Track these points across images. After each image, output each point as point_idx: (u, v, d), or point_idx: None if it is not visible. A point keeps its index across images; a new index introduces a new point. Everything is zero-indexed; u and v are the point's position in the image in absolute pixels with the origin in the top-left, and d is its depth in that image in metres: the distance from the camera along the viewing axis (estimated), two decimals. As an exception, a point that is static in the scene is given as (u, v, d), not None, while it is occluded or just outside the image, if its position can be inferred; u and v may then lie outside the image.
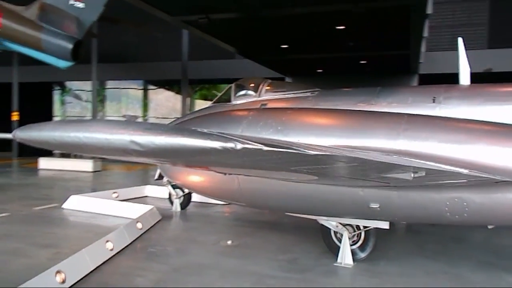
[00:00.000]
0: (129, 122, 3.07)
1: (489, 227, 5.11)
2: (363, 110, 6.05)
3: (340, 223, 5.87)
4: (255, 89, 8.53)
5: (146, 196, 11.25)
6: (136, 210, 8.37)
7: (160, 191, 11.18)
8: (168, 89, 26.32)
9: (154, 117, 26.53)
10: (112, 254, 5.97)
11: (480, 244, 7.08)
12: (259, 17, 12.42)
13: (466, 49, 7.61)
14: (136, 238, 6.93)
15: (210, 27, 12.82)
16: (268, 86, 8.49)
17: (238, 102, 8.54)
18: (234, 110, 6.54)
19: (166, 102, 26.53)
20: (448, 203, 4.35)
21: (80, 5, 10.05)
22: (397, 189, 4.50)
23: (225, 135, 2.87)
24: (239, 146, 2.75)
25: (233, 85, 8.89)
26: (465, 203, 4.27)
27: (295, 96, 8.03)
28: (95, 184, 14.11)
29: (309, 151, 2.97)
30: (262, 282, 5.19)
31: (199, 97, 26.05)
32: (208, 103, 9.58)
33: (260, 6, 11.13)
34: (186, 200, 9.81)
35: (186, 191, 9.70)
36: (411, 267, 5.80)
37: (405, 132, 4.51)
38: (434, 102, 6.60)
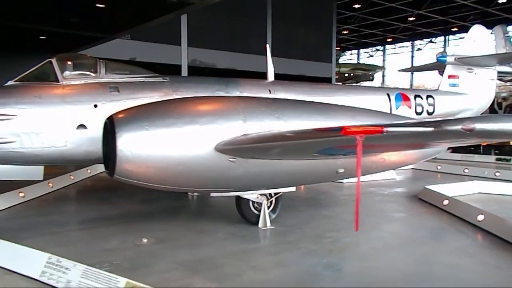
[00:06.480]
0: None
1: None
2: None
3: (260, 194, 7.05)
4: (93, 68, 7.56)
5: None
6: None
7: None
8: None
9: None
10: None
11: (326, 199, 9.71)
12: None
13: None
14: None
15: None
16: (105, 66, 7.69)
17: (74, 82, 7.32)
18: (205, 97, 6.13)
19: None
20: (372, 160, 6.82)
21: None
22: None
23: None
24: None
25: (53, 61, 7.38)
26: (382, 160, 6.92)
27: (148, 81, 7.88)
28: None
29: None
30: (242, 252, 5.83)
31: None
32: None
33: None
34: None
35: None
36: (302, 216, 7.87)
37: None
38: (270, 92, 8.78)
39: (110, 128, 5.18)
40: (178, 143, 5.23)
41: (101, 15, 13.11)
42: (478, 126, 3.89)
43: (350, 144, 4.48)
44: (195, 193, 9.82)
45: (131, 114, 5.32)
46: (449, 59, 12.22)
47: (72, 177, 11.49)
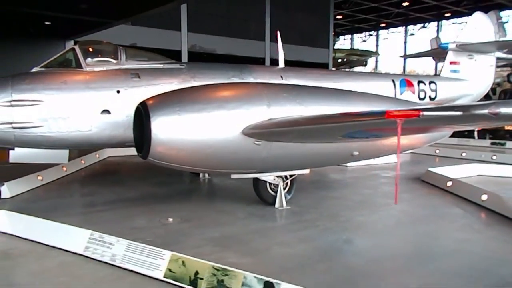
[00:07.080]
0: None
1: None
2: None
3: (276, 176, 7.41)
4: (114, 55, 7.79)
5: None
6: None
7: None
8: None
9: None
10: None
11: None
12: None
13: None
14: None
15: None
16: (125, 52, 7.93)
17: (96, 69, 7.56)
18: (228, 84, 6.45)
19: None
20: (384, 143, 7.17)
21: None
22: (372, 140, 6.85)
23: None
24: None
25: (77, 48, 7.62)
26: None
27: (167, 67, 8.14)
28: None
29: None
30: (265, 229, 6.27)
31: None
32: None
33: None
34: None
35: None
36: (314, 197, 8.26)
37: None
38: (282, 78, 9.08)
39: (144, 113, 5.47)
40: (208, 127, 5.55)
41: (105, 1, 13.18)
42: (503, 110, 4.26)
43: (387, 127, 4.82)
44: (207, 176, 10.19)
45: (163, 100, 5.61)
46: (451, 45, 12.58)
47: (83, 162, 11.76)
